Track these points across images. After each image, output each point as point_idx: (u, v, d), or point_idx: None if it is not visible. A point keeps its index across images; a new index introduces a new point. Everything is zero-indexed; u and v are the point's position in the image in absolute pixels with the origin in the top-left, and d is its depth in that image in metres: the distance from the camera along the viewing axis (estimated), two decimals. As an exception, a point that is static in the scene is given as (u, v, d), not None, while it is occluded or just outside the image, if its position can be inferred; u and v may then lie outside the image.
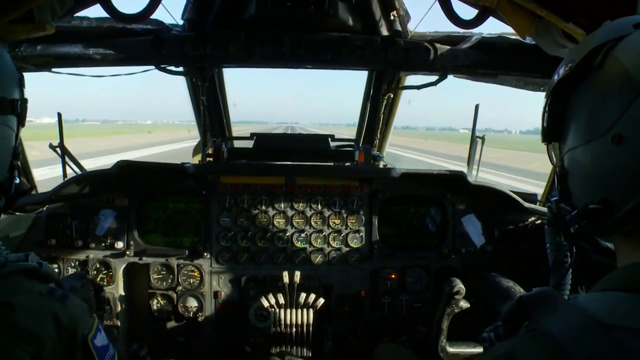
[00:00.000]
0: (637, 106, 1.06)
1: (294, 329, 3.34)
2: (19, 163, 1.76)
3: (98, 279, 3.56)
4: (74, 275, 3.32)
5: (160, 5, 2.76)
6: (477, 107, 4.01)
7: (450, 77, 3.63)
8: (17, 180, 1.70)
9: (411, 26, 3.41)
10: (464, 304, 2.78)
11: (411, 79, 4.22)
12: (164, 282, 3.64)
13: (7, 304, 1.37)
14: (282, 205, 3.74)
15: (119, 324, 3.61)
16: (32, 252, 1.53)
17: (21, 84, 1.64)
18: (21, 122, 1.65)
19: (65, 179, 3.71)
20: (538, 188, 5.60)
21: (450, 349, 2.80)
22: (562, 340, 1.01)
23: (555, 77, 1.31)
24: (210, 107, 4.31)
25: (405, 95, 4.46)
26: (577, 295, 1.15)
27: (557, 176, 1.34)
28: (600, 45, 1.19)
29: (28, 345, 1.34)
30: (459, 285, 2.74)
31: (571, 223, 1.26)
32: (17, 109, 1.58)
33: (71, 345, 1.46)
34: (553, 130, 1.33)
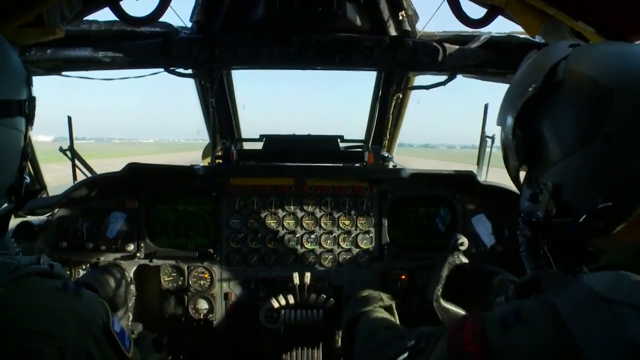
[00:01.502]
0: (616, 106, 1.21)
1: (304, 330, 3.33)
2: (28, 164, 1.75)
3: None
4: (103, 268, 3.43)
5: (169, 8, 2.77)
6: (486, 106, 3.99)
7: (459, 77, 3.62)
8: (28, 180, 1.70)
9: (420, 26, 3.39)
10: (464, 259, 2.94)
11: (420, 79, 4.20)
12: (175, 284, 3.65)
13: (26, 304, 1.39)
14: (292, 206, 3.73)
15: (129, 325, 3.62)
16: (44, 255, 1.53)
17: (29, 83, 1.63)
18: (30, 122, 1.64)
19: (76, 182, 3.72)
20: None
21: (444, 303, 2.83)
22: (564, 313, 1.11)
23: (518, 103, 1.41)
24: (219, 109, 4.32)
25: (414, 95, 4.45)
26: (581, 275, 1.25)
27: (546, 195, 1.39)
28: (554, 65, 1.36)
29: (53, 341, 1.36)
30: (463, 238, 2.92)
31: (576, 230, 1.32)
32: (25, 109, 1.58)
33: (95, 335, 1.49)
34: (529, 155, 1.44)
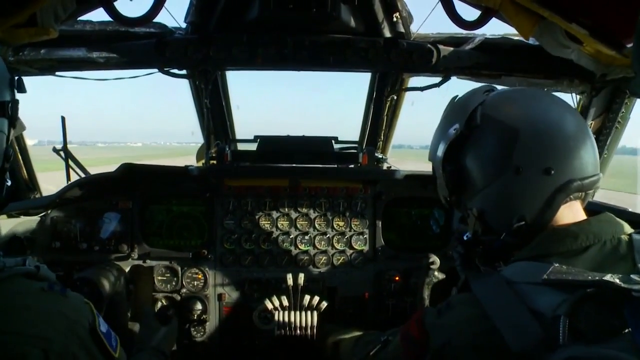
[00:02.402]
0: (522, 142, 1.53)
1: (298, 331, 3.33)
2: (22, 166, 1.75)
3: None
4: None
5: (163, 8, 2.77)
6: None
7: (453, 78, 3.63)
8: (9, 183, 1.69)
9: (414, 28, 3.41)
10: (440, 275, 3.22)
11: (414, 81, 4.21)
12: (168, 285, 3.64)
13: (10, 306, 1.37)
14: (286, 207, 3.73)
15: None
16: (29, 257, 1.52)
17: (12, 85, 1.62)
18: (12, 124, 1.63)
19: (69, 182, 3.71)
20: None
21: None
22: (480, 297, 1.46)
23: (445, 142, 1.71)
24: (213, 110, 4.32)
25: (408, 96, 4.46)
26: (501, 269, 1.59)
27: (472, 218, 1.71)
28: (472, 111, 1.64)
29: (37, 342, 1.35)
30: (434, 258, 3.21)
31: (500, 245, 1.66)
32: (8, 111, 1.57)
33: (80, 336, 1.48)
34: (457, 186, 1.73)
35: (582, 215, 1.60)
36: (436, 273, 3.21)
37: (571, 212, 1.58)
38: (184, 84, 4.11)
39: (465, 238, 1.82)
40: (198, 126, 4.58)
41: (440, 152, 1.75)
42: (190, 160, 4.63)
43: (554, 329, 1.24)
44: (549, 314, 1.29)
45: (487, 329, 1.37)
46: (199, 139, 4.70)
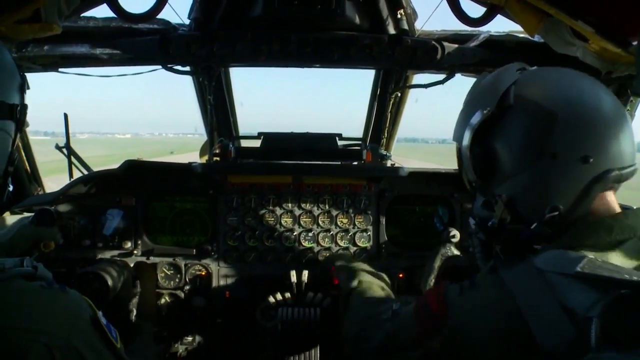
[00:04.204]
0: (559, 127, 1.43)
1: (301, 328, 3.33)
2: (25, 161, 1.75)
3: None
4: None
5: (167, 4, 2.76)
6: None
7: (457, 75, 3.62)
8: (10, 188, 1.68)
9: (418, 24, 3.39)
10: (455, 251, 3.18)
11: (419, 78, 4.20)
12: (172, 282, 3.64)
13: (12, 303, 1.38)
14: (290, 204, 3.73)
15: None
16: (27, 257, 1.52)
17: (22, 89, 1.62)
18: (19, 128, 1.62)
19: (72, 179, 3.71)
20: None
21: None
22: (508, 281, 1.41)
23: (474, 123, 1.61)
24: (217, 106, 4.31)
25: (412, 93, 4.45)
26: (531, 256, 1.47)
27: (500, 205, 1.60)
28: (505, 90, 1.54)
29: (39, 337, 1.36)
30: (455, 232, 3.21)
31: (530, 236, 1.54)
32: (17, 114, 1.56)
33: (82, 329, 1.48)
34: (484, 170, 1.62)
35: (616, 207, 1.53)
36: (453, 248, 3.18)
37: (605, 203, 1.50)
38: (186, 78, 4.10)
39: (489, 225, 1.68)
40: (198, 119, 4.58)
41: (467, 133, 1.65)
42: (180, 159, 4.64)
43: (585, 330, 1.18)
44: (581, 313, 1.23)
45: (513, 318, 1.33)
46: (201, 130, 4.70)
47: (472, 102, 1.70)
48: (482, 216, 1.73)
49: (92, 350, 1.49)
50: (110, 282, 3.15)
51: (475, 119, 1.60)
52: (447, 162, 3.97)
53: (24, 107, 1.63)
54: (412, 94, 4.45)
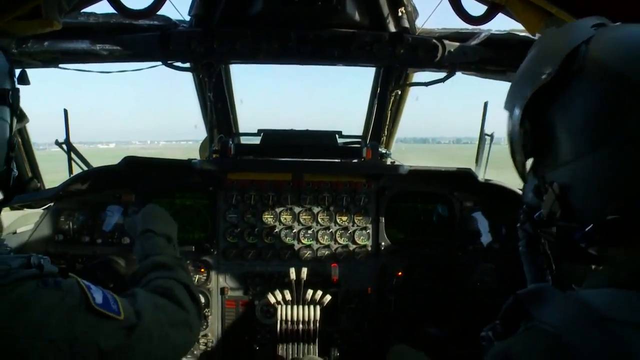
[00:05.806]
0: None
1: (300, 326, 3.34)
2: (25, 157, 1.76)
3: None
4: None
5: (167, 1, 2.75)
6: (486, 104, 3.97)
7: (458, 74, 3.61)
8: (16, 172, 1.69)
9: (419, 22, 3.38)
10: None
11: (419, 76, 4.19)
12: None
13: (16, 306, 1.40)
14: (289, 202, 3.73)
15: None
16: (34, 254, 1.53)
17: (11, 74, 1.63)
18: (14, 112, 1.63)
19: (72, 175, 3.71)
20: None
21: None
22: (561, 331, 0.98)
23: (529, 91, 1.23)
24: (216, 103, 4.30)
25: (413, 92, 4.44)
26: (572, 292, 1.10)
27: (551, 195, 1.24)
28: (572, 50, 1.15)
29: (43, 334, 1.41)
30: None
31: (582, 237, 1.17)
32: (9, 99, 1.57)
33: (81, 318, 1.52)
34: (535, 148, 1.27)
35: None
36: None
37: None
38: (186, 77, 4.10)
39: (535, 217, 1.34)
40: (197, 119, 4.57)
41: (519, 103, 1.28)
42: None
43: None
44: None
45: None
46: (197, 137, 4.68)
47: (529, 64, 1.36)
48: (532, 204, 1.38)
49: (97, 330, 1.53)
50: (121, 268, 3.28)
51: (531, 84, 1.24)
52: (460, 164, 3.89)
53: (16, 91, 1.64)
54: (413, 92, 4.43)
